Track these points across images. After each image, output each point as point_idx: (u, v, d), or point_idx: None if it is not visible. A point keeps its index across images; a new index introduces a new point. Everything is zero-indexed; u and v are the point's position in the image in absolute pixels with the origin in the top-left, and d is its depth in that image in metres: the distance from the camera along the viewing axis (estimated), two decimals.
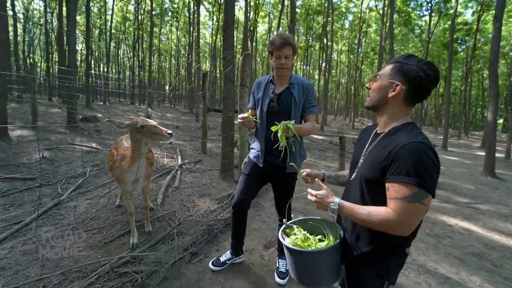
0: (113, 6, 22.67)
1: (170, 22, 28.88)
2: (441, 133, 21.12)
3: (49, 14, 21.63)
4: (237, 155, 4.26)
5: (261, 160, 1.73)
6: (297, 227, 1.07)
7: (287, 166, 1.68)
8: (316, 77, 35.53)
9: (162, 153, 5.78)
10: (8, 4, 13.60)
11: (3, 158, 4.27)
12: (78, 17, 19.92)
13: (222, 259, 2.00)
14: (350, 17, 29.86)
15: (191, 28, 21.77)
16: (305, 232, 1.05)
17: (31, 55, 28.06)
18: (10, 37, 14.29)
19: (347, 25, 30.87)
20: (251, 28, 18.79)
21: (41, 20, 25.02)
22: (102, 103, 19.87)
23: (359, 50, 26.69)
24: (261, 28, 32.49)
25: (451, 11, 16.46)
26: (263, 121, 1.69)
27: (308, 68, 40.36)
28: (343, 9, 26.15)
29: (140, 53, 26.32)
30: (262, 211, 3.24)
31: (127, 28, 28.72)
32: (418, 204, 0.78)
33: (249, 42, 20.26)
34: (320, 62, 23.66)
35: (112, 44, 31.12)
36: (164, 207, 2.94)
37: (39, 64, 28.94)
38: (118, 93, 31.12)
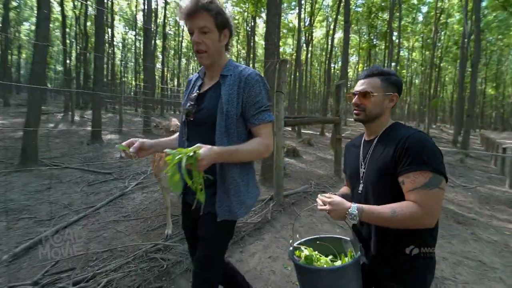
0: (183, 28, 26.09)
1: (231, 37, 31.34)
2: None
3: (138, 41, 26.62)
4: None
5: (180, 195, 1.14)
6: (305, 248, 0.95)
7: (218, 212, 1.03)
8: None
9: None
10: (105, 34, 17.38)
11: (95, 156, 5.47)
12: (158, 41, 23.80)
13: None
14: (424, 9, 26.13)
15: (250, 40, 23.08)
16: (316, 252, 0.94)
17: (125, 74, 34.87)
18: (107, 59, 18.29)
19: (420, 18, 27.13)
20: (306, 34, 18.60)
21: (132, 46, 30.95)
22: (173, 112, 22.99)
23: (438, 44, 22.96)
24: (319, 32, 31.78)
25: None
26: (182, 135, 1.10)
27: None
28: (415, 1, 23.15)
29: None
30: (297, 220, 3.17)
31: None
32: (437, 189, 0.79)
33: (304, 47, 20.11)
34: (386, 62, 21.41)
35: (183, 61, 35.85)
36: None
37: (131, 81, 35.76)
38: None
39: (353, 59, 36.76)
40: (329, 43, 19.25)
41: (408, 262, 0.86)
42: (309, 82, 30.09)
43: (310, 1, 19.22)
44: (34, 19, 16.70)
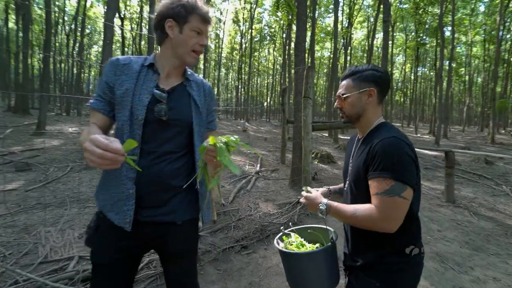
0: (223, 39, 27.61)
1: (268, 45, 32.13)
2: None
3: None
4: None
5: (128, 218, 0.88)
6: (294, 234, 1.05)
7: (205, 218, 1.04)
8: (433, 79, 29.07)
9: (245, 160, 6.58)
10: None
11: None
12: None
13: None
14: None
15: (287, 47, 23.34)
16: (302, 239, 1.03)
17: None
18: None
19: (481, 9, 23.90)
20: (346, 37, 18.01)
21: None
22: None
23: (508, 36, 19.83)
24: (360, 34, 30.39)
25: None
26: (135, 137, 0.87)
27: (422, 69, 33.79)
28: None
29: (243, 76, 30.51)
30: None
31: (234, 56, 34.04)
32: (397, 198, 0.79)
33: (342, 51, 19.48)
34: (440, 60, 19.30)
35: (223, 70, 37.90)
36: (232, 204, 3.44)
37: None
38: (225, 111, 36.99)
39: (399, 59, 34.05)
40: (370, 44, 18.29)
41: (382, 259, 0.88)
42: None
43: (349, 3, 18.66)
44: (101, 42, 19.78)
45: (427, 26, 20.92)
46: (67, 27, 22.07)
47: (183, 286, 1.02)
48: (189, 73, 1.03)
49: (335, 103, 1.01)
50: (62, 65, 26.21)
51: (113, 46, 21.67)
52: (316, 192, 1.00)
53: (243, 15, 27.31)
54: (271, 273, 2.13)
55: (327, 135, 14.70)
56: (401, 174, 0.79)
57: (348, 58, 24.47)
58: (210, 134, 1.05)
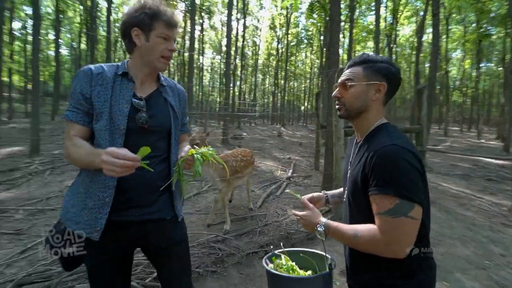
0: (259, 45, 28.13)
1: (305, 48, 31.71)
2: None
3: (222, 63, 30.63)
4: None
5: (99, 226, 0.90)
6: (284, 257, 0.93)
7: (178, 212, 1.07)
8: (501, 75, 24.95)
9: (277, 166, 6.55)
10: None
11: None
12: (237, 61, 26.63)
13: None
14: None
15: (324, 49, 22.71)
16: (293, 263, 0.91)
17: (212, 93, 40.44)
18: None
19: None
20: (392, 35, 16.74)
21: (218, 68, 35.81)
22: (249, 124, 24.90)
23: None
24: (408, 29, 27.87)
25: None
26: (116, 145, 0.88)
27: (487, 64, 29.31)
28: None
29: (279, 81, 30.60)
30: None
31: (271, 61, 34.40)
32: (404, 219, 0.66)
33: (386, 49, 18.11)
34: (510, 53, 16.48)
35: (260, 76, 38.59)
36: (260, 209, 3.46)
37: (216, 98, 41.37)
38: (261, 116, 37.48)
39: (456, 54, 30.15)
40: (419, 40, 16.60)
41: (378, 283, 0.78)
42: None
43: None
44: None
45: (493, 14, 18.12)
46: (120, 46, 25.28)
47: (177, 279, 1.06)
48: (162, 78, 1.05)
49: (334, 92, 0.86)
50: None
51: None
52: (312, 209, 0.87)
53: (280, 20, 27.53)
54: None
55: None
56: (406, 189, 0.67)
57: (394, 56, 22.59)
58: (183, 136, 1.15)
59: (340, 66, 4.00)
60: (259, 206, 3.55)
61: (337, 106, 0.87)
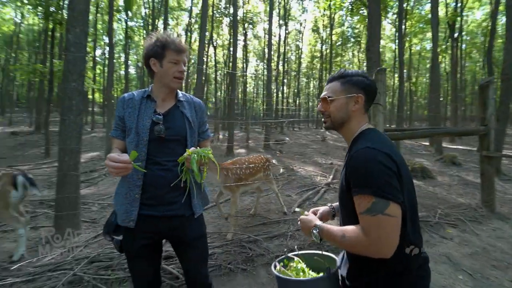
0: (301, 49, 27.79)
1: (352, 47, 30.04)
2: None
3: (266, 69, 31.34)
4: None
5: (132, 217, 1.13)
6: (297, 259, 0.95)
7: (195, 209, 1.22)
8: None
9: (317, 171, 6.41)
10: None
11: None
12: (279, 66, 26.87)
13: None
14: None
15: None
16: (304, 265, 0.93)
17: (257, 99, 41.58)
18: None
19: None
20: (450, 23, 14.65)
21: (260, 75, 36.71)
22: (292, 129, 24.77)
23: None
24: (479, 13, 23.80)
25: None
26: (141, 154, 1.11)
27: None
28: None
29: (324, 84, 29.63)
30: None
31: (314, 64, 33.61)
32: (381, 216, 0.70)
33: (449, 40, 15.86)
34: None
35: (304, 79, 38.05)
36: (294, 214, 3.48)
37: (260, 104, 42.43)
38: (306, 121, 36.75)
39: None
40: (492, 26, 14.05)
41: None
42: (462, 82, 22.88)
43: None
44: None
45: None
46: None
47: (198, 270, 1.25)
48: (180, 95, 1.26)
49: (318, 106, 0.95)
50: None
51: (209, 70, 25.96)
52: (311, 215, 0.94)
53: (323, 21, 26.80)
54: None
55: (428, 143, 12.14)
56: (380, 189, 0.71)
57: (463, 46, 19.54)
58: (204, 142, 1.31)
59: (386, 63, 3.76)
60: (293, 211, 3.57)
61: (323, 119, 0.95)
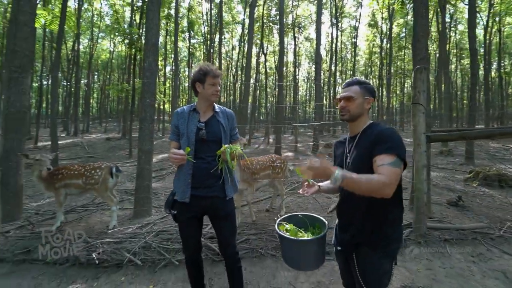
0: (357, 46, 26.01)
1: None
2: None
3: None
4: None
5: (187, 195, 1.56)
6: (290, 224, 1.28)
7: (228, 193, 1.61)
8: None
9: None
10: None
11: None
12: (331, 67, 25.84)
13: None
14: None
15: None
16: (295, 227, 1.25)
17: (309, 102, 40.78)
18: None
19: None
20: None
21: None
22: (341, 131, 23.44)
23: None
24: None
25: None
26: (190, 152, 1.53)
27: None
28: None
29: (384, 80, 27.04)
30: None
31: (373, 61, 31.00)
32: (397, 169, 1.03)
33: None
34: None
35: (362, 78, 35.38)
36: (330, 213, 3.58)
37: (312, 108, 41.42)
38: None
39: None
40: None
41: (381, 233, 1.13)
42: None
43: None
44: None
45: None
46: (233, 70, 30.28)
47: (228, 240, 1.65)
48: (216, 108, 1.69)
49: (341, 103, 1.22)
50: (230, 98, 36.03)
51: (262, 76, 26.94)
52: (326, 160, 1.06)
53: (382, 14, 24.59)
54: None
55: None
56: (401, 153, 1.05)
57: None
58: (235, 142, 1.72)
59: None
60: (329, 211, 3.67)
61: (341, 113, 1.23)
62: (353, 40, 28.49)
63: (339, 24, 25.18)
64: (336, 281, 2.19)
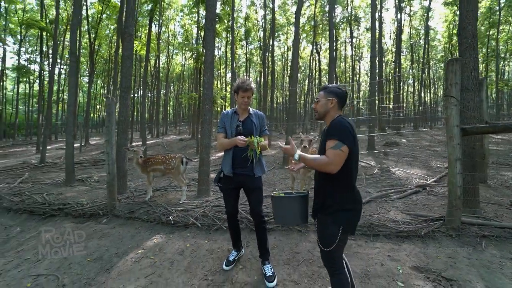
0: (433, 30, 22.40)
1: None
2: None
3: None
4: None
5: (231, 172, 2.19)
6: (281, 192, 1.82)
7: (255, 172, 2.20)
8: None
9: (420, 174, 5.78)
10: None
11: None
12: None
13: (231, 258, 2.48)
14: None
15: None
16: (284, 194, 1.77)
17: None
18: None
19: None
20: None
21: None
22: (414, 128, 20.71)
23: None
24: None
25: None
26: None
27: None
28: None
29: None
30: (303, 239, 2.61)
31: (453, 45, 26.23)
32: (338, 150, 1.40)
33: None
34: None
35: (440, 65, 30.32)
36: (364, 205, 3.79)
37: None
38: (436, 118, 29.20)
39: None
40: None
41: (334, 204, 1.51)
42: None
43: None
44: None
45: None
46: (288, 71, 30.72)
47: (255, 207, 2.26)
48: (251, 111, 2.30)
49: (313, 105, 1.65)
50: (279, 100, 36.51)
51: (316, 75, 26.43)
52: (293, 145, 1.60)
53: None
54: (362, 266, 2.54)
55: None
56: (342, 137, 1.41)
57: None
58: (264, 137, 2.28)
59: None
60: (363, 202, 3.86)
61: (314, 114, 1.64)
62: (425, 23, 24.67)
63: (408, 7, 22.32)
64: (347, 254, 2.56)
